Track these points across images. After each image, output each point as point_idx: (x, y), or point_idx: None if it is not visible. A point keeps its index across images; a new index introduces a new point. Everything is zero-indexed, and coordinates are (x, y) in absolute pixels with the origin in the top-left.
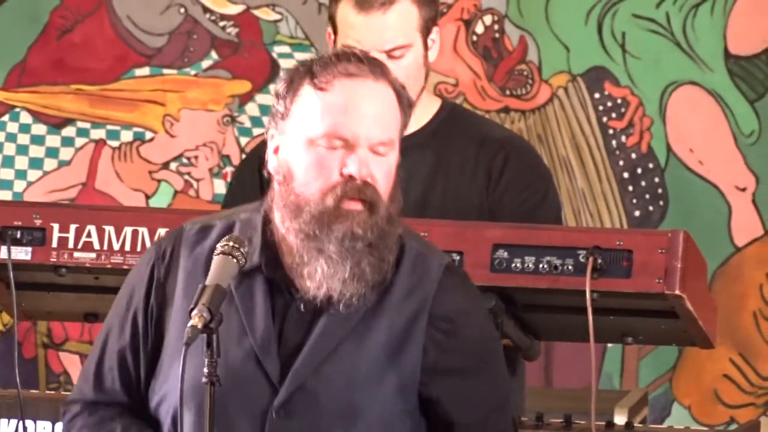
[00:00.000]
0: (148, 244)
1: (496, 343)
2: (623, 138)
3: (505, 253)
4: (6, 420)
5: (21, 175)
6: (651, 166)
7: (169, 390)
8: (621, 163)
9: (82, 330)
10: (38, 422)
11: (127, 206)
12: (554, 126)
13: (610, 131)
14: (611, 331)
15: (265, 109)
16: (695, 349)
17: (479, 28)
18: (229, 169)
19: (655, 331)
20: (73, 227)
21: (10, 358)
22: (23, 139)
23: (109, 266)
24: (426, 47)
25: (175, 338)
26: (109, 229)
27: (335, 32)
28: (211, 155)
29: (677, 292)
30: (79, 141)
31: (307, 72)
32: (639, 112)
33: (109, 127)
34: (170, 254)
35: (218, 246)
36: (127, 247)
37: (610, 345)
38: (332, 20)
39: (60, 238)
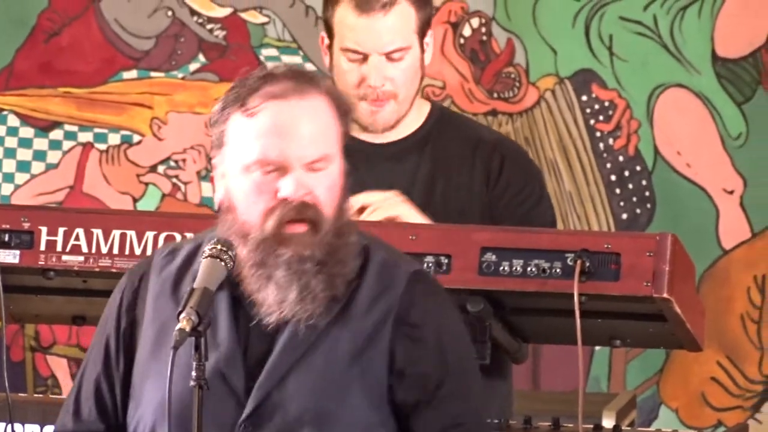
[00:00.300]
0: (136, 247)
1: (466, 349)
2: (611, 141)
3: (493, 256)
4: None
5: (8, 178)
6: (638, 168)
7: (143, 413)
8: (608, 165)
9: (69, 333)
10: (27, 426)
11: (115, 209)
12: (542, 129)
13: (598, 134)
14: (599, 334)
15: None
16: (682, 352)
17: (466, 31)
18: None
19: (643, 334)
20: (61, 230)
21: None
22: (11, 142)
23: (97, 269)
24: (422, 50)
25: (144, 358)
26: (97, 233)
27: (330, 36)
28: (198, 158)
29: (665, 295)
30: (67, 144)
31: (236, 99)
32: (626, 114)
33: (97, 130)
34: (139, 280)
35: (206, 249)
36: (116, 251)
37: (597, 348)
38: (327, 24)
39: (48, 242)
